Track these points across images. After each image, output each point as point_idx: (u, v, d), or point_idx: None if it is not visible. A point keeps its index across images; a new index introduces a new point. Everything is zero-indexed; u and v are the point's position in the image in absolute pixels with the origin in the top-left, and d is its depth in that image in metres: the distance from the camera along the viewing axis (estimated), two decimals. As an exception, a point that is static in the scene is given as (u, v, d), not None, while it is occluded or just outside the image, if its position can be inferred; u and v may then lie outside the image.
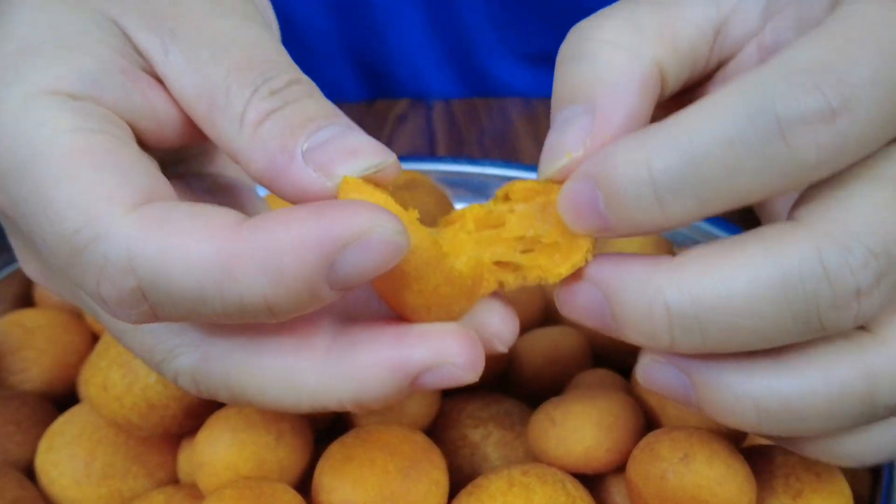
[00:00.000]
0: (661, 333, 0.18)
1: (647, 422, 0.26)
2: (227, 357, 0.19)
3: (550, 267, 0.19)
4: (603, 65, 0.19)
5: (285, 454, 0.24)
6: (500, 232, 0.20)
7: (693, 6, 0.21)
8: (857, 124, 0.16)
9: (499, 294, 0.21)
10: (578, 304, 0.20)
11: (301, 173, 0.18)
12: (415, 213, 0.19)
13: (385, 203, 0.17)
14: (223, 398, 0.20)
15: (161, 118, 0.20)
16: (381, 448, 0.23)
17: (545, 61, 0.62)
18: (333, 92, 0.65)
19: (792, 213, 0.18)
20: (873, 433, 0.20)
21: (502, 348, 0.21)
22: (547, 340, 0.29)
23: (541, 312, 0.32)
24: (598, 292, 0.19)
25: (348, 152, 0.18)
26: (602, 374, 0.28)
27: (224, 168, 0.25)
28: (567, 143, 0.19)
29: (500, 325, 0.21)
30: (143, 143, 0.20)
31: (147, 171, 0.18)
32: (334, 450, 0.24)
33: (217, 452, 0.24)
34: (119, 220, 0.17)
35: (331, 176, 0.18)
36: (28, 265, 0.23)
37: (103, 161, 0.18)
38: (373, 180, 0.18)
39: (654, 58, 0.20)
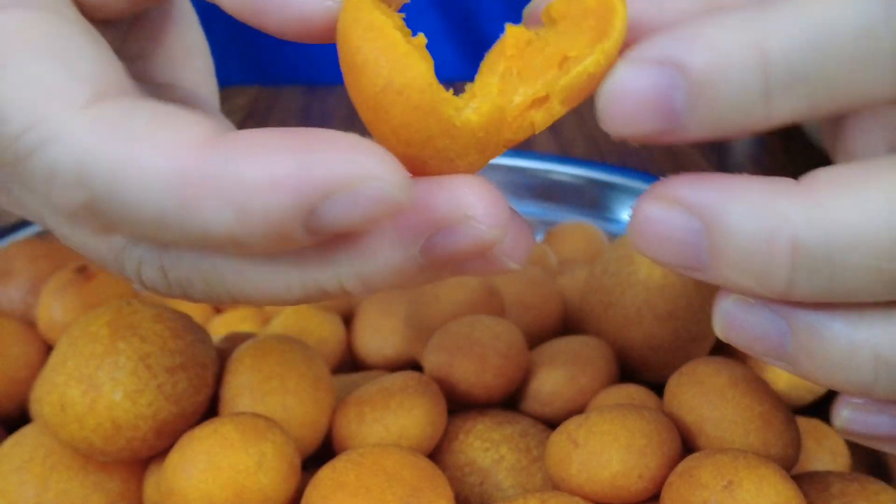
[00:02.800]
0: (778, 274, 0.16)
1: (684, 444, 0.25)
2: None
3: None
4: None
5: (268, 480, 0.24)
6: (538, 60, 0.18)
7: None
8: None
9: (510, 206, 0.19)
10: (661, 234, 0.17)
11: None
12: (421, 40, 0.17)
13: (391, 38, 0.16)
14: (197, 293, 0.19)
15: None
16: (378, 473, 0.23)
17: None
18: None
19: None
20: None
21: (513, 266, 0.19)
22: (568, 352, 0.29)
23: (559, 320, 0.32)
24: (694, 220, 0.17)
25: None
26: (631, 389, 0.28)
27: (181, 75, 0.24)
28: None
29: (511, 241, 0.18)
30: (89, 18, 0.19)
31: (98, 56, 0.17)
32: (324, 476, 0.23)
33: (189, 478, 0.23)
34: (71, 123, 0.16)
35: None
36: None
37: (46, 46, 0.17)
38: None
39: None
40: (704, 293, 0.29)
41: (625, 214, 0.43)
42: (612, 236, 0.41)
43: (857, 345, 0.17)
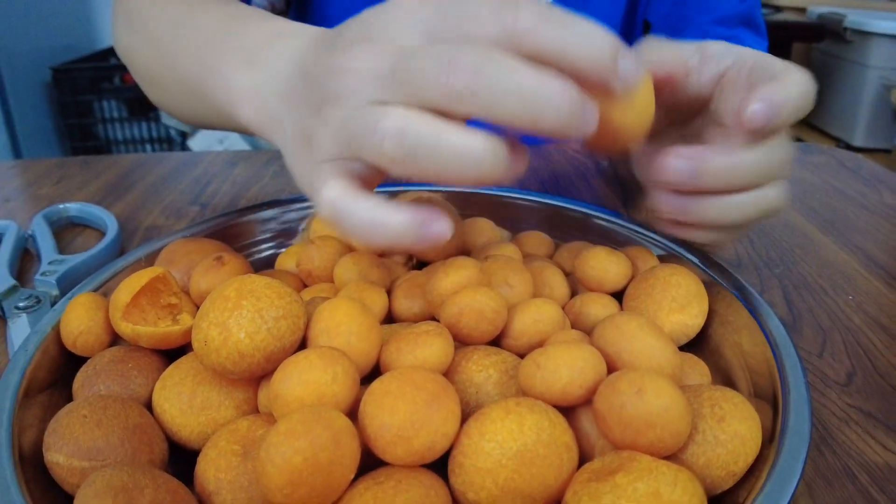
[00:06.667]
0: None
1: (608, 367, 0.26)
2: None
3: None
4: None
5: (339, 389, 0.24)
6: None
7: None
8: None
9: None
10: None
11: None
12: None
13: None
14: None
15: None
16: (411, 385, 0.23)
17: None
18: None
19: None
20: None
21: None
22: (532, 307, 0.29)
23: (528, 288, 0.32)
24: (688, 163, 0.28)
25: None
26: (573, 332, 0.28)
27: None
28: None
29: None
30: None
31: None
32: (375, 386, 0.24)
33: (288, 388, 0.24)
34: None
35: None
36: None
37: None
38: None
39: None
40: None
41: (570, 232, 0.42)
42: (557, 243, 0.39)
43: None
